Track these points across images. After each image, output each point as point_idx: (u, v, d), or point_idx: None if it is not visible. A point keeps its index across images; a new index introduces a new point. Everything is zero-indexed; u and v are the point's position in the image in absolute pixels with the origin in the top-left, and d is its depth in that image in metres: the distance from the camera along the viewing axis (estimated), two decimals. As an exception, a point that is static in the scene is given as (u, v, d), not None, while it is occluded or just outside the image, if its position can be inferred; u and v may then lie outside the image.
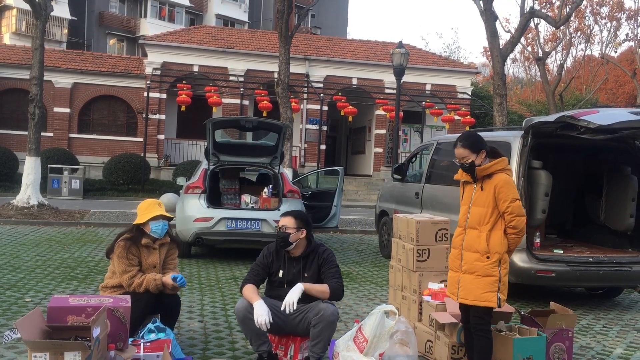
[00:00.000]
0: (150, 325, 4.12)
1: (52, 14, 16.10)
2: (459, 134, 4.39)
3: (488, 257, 3.98)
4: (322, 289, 4.23)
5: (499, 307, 4.04)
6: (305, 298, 4.20)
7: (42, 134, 14.81)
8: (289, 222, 4.38)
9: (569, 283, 7.01)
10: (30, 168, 13.85)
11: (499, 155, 4.17)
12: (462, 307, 4.20)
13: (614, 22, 33.52)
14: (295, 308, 4.09)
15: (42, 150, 14.99)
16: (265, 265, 4.44)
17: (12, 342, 4.25)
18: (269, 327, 4.06)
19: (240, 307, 4.19)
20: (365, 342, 4.14)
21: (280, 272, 4.40)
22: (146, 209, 4.56)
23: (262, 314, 4.05)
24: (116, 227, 12.42)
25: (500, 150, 4.34)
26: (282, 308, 4.10)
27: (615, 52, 38.43)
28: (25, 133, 14.66)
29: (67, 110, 24.72)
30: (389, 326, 4.21)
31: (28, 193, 13.73)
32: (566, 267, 6.42)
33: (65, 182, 18.82)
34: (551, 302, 4.95)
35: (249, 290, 4.28)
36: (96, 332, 3.23)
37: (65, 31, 37.22)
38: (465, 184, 4.26)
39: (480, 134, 4.33)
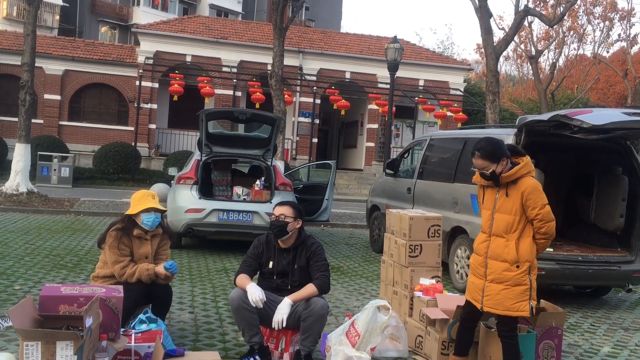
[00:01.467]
0: (142, 316, 4.10)
1: (44, -1, 15.96)
2: (476, 140, 4.03)
3: (518, 267, 3.79)
4: (308, 292, 4.19)
5: (532, 315, 3.92)
6: None
7: (32, 120, 14.66)
8: (287, 211, 4.36)
9: (558, 281, 7.05)
10: (20, 155, 13.75)
11: (520, 154, 3.92)
12: (470, 304, 4.10)
13: (607, 22, 33.65)
14: (285, 325, 4.09)
15: (32, 137, 14.87)
16: (256, 256, 4.43)
17: (3, 330, 4.23)
18: (262, 305, 4.06)
19: (235, 296, 4.18)
20: (358, 336, 4.15)
21: (270, 263, 4.40)
22: (139, 200, 4.53)
23: (255, 292, 4.07)
24: (106, 216, 12.36)
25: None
26: (273, 326, 4.10)
27: (607, 52, 38.63)
28: (15, 119, 14.57)
29: (58, 97, 24.52)
30: (382, 321, 4.22)
31: (17, 180, 13.65)
32: (555, 265, 6.48)
33: (54, 169, 18.67)
34: (541, 300, 4.98)
35: (242, 277, 4.29)
36: (88, 321, 3.22)
37: (57, 17, 36.78)
38: (485, 187, 4.02)
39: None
